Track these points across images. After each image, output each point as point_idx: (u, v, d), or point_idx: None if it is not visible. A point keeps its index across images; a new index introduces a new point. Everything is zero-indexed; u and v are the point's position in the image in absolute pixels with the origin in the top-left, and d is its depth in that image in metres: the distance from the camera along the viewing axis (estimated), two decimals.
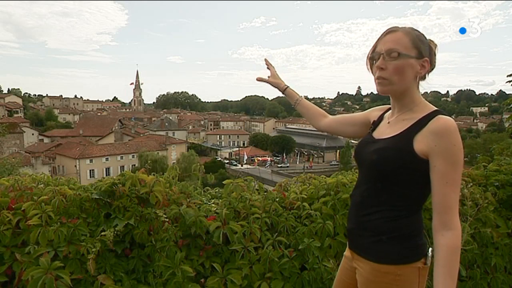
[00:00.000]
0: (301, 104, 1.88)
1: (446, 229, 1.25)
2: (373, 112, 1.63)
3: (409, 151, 1.31)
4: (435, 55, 1.39)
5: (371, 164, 1.41)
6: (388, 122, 1.48)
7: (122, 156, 46.12)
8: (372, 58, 1.41)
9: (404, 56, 1.32)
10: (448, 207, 1.26)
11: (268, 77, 1.96)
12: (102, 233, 2.02)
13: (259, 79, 1.95)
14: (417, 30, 1.38)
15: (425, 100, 1.40)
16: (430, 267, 1.36)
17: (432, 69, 1.40)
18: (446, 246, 1.24)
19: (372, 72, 1.43)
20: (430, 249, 1.38)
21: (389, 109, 1.54)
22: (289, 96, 1.92)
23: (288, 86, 1.92)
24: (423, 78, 1.41)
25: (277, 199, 2.54)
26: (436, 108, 1.35)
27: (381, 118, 1.56)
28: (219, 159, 59.55)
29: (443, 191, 1.26)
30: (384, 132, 1.46)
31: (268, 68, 1.98)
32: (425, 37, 1.38)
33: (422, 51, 1.35)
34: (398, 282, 1.35)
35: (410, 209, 1.37)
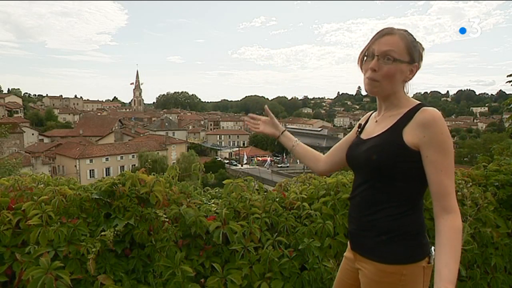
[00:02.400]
0: (300, 146, 1.79)
1: (446, 212, 1.28)
2: (361, 121, 1.65)
3: (400, 144, 1.33)
4: (422, 59, 1.42)
5: (367, 163, 1.41)
6: (376, 121, 1.50)
7: (122, 156, 46.09)
8: (365, 56, 1.42)
9: (398, 61, 1.35)
10: (445, 193, 1.29)
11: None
12: (102, 233, 2.02)
13: (258, 132, 1.86)
14: (411, 35, 1.40)
15: (408, 96, 1.43)
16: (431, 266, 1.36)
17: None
18: (447, 227, 1.26)
19: (362, 70, 1.44)
20: (433, 247, 1.38)
21: (373, 113, 1.58)
22: (287, 139, 1.82)
23: (285, 130, 1.84)
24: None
25: (277, 199, 2.54)
26: (419, 102, 1.39)
27: (367, 120, 1.59)
28: (219, 159, 59.53)
29: (439, 179, 1.29)
30: (373, 131, 1.48)
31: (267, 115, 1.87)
32: (417, 42, 1.40)
33: (414, 57, 1.38)
34: (403, 282, 1.35)
35: (411, 206, 1.38)
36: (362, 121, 1.64)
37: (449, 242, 1.24)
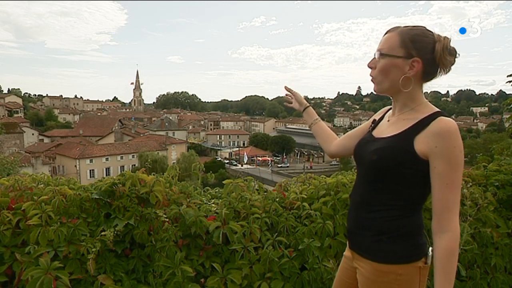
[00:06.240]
0: (318, 125, 1.83)
1: (443, 231, 1.26)
2: (376, 117, 1.62)
3: (409, 151, 1.31)
4: (448, 54, 1.31)
5: (371, 164, 1.40)
6: (388, 121, 1.48)
7: (122, 156, 46.06)
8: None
9: (386, 56, 1.34)
10: (446, 209, 1.27)
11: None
12: (102, 233, 2.02)
13: (287, 105, 2.00)
14: (417, 29, 1.34)
15: (427, 101, 1.39)
16: (430, 266, 1.36)
17: (448, 71, 1.35)
18: (442, 249, 1.26)
19: None
20: (431, 248, 1.38)
21: (390, 109, 1.54)
22: (309, 115, 1.88)
23: (308, 106, 1.90)
24: (429, 78, 1.37)
25: (277, 199, 2.54)
26: (437, 109, 1.34)
27: (382, 117, 1.56)
28: (219, 159, 59.52)
29: (442, 193, 1.27)
30: (384, 131, 1.45)
31: (290, 95, 1.96)
32: (427, 36, 1.33)
33: (412, 52, 1.31)
34: (399, 282, 1.35)
35: (410, 208, 1.37)
36: (377, 116, 1.60)
37: (443, 265, 1.25)
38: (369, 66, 1.42)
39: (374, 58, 1.40)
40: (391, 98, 1.47)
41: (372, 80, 1.43)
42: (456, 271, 1.27)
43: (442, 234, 1.26)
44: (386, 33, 1.39)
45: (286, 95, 1.98)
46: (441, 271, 1.25)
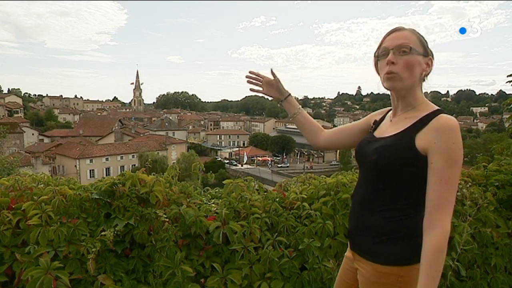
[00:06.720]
0: (302, 115, 1.74)
1: (432, 227, 1.25)
2: (374, 116, 1.62)
3: (411, 149, 1.31)
4: (433, 57, 1.42)
5: (372, 163, 1.40)
6: (391, 121, 1.47)
7: (122, 156, 46.05)
8: (378, 56, 1.42)
9: (414, 51, 1.34)
10: (438, 205, 1.25)
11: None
12: (102, 233, 2.02)
13: (252, 90, 1.79)
14: (418, 33, 1.41)
15: (427, 100, 1.40)
16: None
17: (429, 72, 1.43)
18: (430, 246, 1.24)
19: (377, 71, 1.43)
20: None
21: (390, 110, 1.54)
22: (290, 105, 1.74)
23: (289, 95, 1.76)
24: (424, 79, 1.42)
25: (277, 199, 2.54)
26: (438, 108, 1.36)
27: (382, 118, 1.56)
28: (219, 159, 59.53)
29: (436, 189, 1.26)
30: (386, 130, 1.45)
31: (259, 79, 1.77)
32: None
33: (428, 50, 1.38)
34: (400, 284, 1.35)
35: (411, 209, 1.36)
36: (376, 116, 1.60)
37: (429, 263, 1.22)
38: (391, 61, 1.35)
39: (392, 53, 1.35)
40: (392, 97, 1.46)
41: (392, 76, 1.36)
42: (442, 270, 1.24)
43: (431, 230, 1.25)
44: (395, 31, 1.39)
45: (249, 79, 1.75)
46: (427, 269, 1.22)
